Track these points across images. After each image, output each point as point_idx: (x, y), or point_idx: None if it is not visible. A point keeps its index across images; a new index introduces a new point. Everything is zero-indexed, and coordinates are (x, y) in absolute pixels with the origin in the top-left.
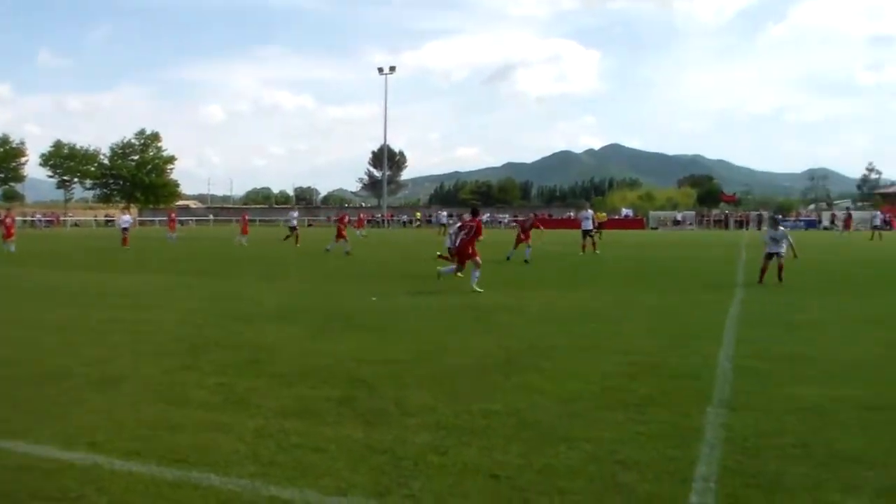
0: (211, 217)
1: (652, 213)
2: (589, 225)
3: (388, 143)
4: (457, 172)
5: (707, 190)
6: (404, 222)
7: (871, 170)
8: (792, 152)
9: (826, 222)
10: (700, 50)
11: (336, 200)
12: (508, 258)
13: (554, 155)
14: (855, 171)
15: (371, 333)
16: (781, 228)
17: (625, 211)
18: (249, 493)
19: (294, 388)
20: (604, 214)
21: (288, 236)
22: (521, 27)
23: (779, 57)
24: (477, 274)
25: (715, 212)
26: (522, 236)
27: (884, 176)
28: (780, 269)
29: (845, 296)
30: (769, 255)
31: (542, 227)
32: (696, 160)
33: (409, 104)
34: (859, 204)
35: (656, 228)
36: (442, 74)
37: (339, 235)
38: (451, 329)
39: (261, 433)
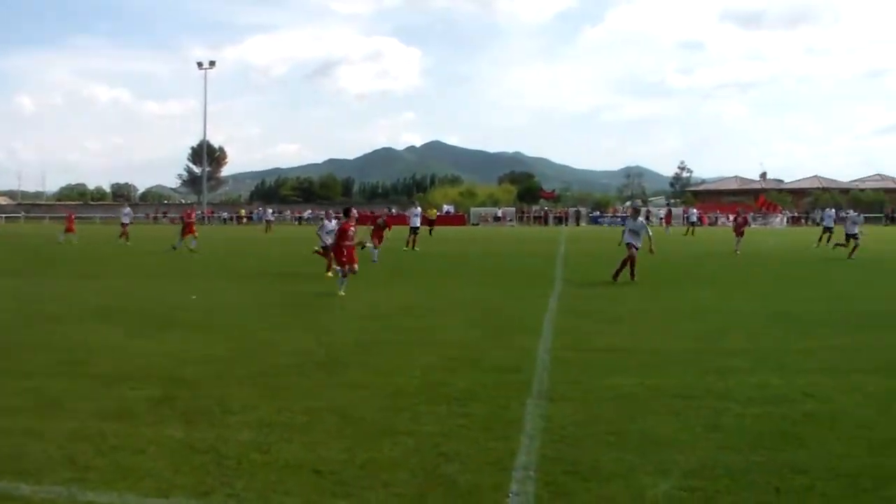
0: (22, 214)
1: (473, 210)
2: (416, 222)
3: (207, 138)
4: (278, 169)
5: (527, 187)
6: (225, 219)
7: (682, 168)
8: (609, 151)
9: (642, 218)
10: (520, 49)
11: (155, 197)
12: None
13: (375, 152)
14: (668, 170)
15: (192, 332)
16: (641, 220)
17: (446, 207)
18: (65, 500)
19: (112, 388)
20: (435, 211)
21: (126, 235)
22: (342, 24)
23: (596, 58)
24: (344, 282)
25: (535, 208)
26: (375, 239)
27: (694, 174)
28: (633, 263)
29: (662, 289)
30: (631, 247)
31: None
32: (516, 158)
33: (229, 99)
34: (672, 201)
35: (477, 224)
36: (263, 70)
37: (189, 231)
38: (274, 326)
39: (76, 437)
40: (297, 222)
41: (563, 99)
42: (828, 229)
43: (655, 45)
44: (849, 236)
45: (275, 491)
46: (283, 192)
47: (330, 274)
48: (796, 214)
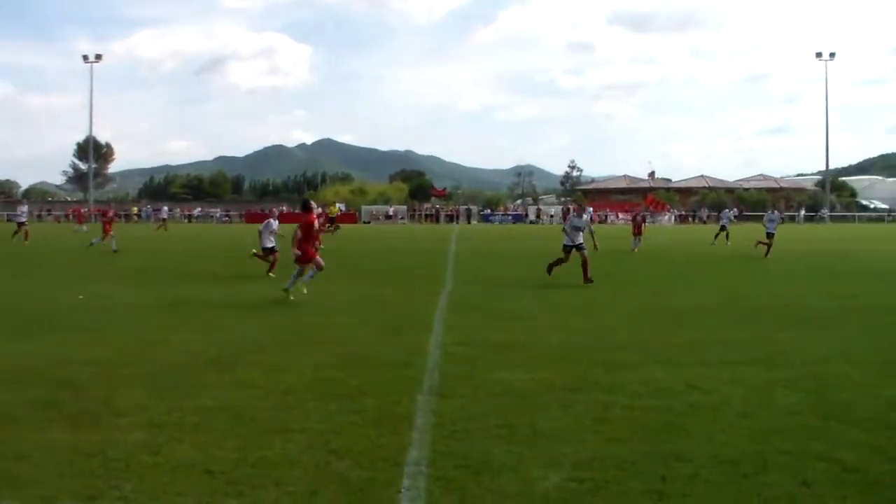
0: None
1: (364, 208)
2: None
3: (94, 134)
4: (167, 166)
5: (418, 185)
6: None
7: (572, 167)
8: (500, 149)
9: (532, 216)
10: (411, 47)
11: (38, 194)
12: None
13: (266, 149)
14: (558, 168)
15: (78, 333)
16: (585, 217)
17: (338, 205)
18: None
19: None
20: (337, 208)
21: (16, 232)
22: (231, 19)
23: (487, 57)
24: (311, 274)
25: (426, 206)
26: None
27: (584, 173)
28: (586, 264)
29: (553, 286)
30: (568, 249)
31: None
32: (407, 156)
33: (116, 94)
34: (563, 199)
35: (369, 222)
36: (151, 64)
37: (106, 231)
38: (163, 326)
39: None
40: (186, 220)
41: (455, 97)
42: (723, 227)
43: (546, 45)
44: (768, 234)
45: (165, 492)
46: (173, 189)
47: (272, 275)
48: (683, 213)
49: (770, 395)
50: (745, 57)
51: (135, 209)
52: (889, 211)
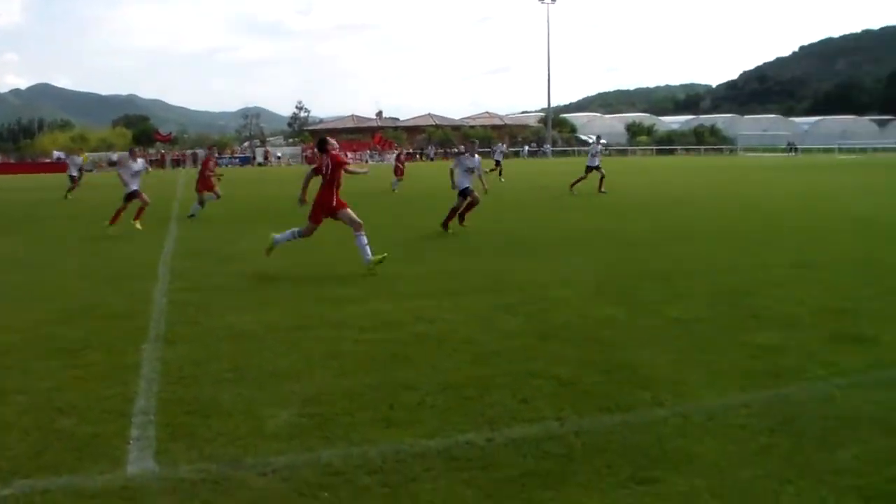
0: None
1: (88, 155)
2: (74, 171)
3: None
4: None
5: (142, 130)
6: None
7: (300, 108)
8: (226, 92)
9: (260, 158)
10: None
11: None
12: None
13: None
14: (286, 110)
15: None
16: (477, 157)
17: (56, 153)
18: None
19: None
20: (86, 156)
21: None
22: None
23: None
24: (364, 239)
25: (151, 152)
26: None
27: (312, 114)
28: (472, 207)
29: (277, 226)
30: (465, 193)
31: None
32: (131, 100)
33: None
34: (290, 140)
35: (91, 171)
36: None
37: None
38: None
39: None
40: None
41: (179, 39)
42: (497, 163)
43: None
44: (590, 168)
45: None
46: None
47: (139, 225)
48: (411, 151)
49: (492, 320)
50: None
51: None
52: (605, 146)
